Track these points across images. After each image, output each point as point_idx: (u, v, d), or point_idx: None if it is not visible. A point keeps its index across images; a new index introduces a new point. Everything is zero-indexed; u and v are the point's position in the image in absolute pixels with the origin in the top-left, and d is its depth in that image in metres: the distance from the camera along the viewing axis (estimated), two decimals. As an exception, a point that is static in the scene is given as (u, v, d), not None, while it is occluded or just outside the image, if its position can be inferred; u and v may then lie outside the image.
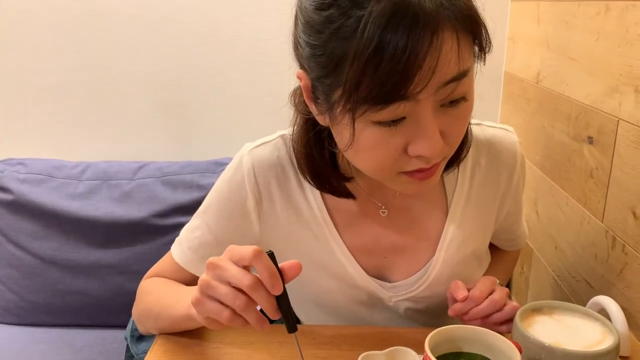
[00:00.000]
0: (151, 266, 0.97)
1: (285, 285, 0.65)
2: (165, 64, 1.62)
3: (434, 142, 0.64)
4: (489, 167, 0.88)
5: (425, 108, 0.62)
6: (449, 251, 0.87)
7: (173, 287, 0.90)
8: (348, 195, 0.84)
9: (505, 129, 0.90)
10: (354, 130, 0.64)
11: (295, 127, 0.81)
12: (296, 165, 0.85)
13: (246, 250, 0.63)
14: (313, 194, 0.86)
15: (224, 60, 1.61)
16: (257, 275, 0.63)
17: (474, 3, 0.65)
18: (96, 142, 1.70)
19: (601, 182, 0.99)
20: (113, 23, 1.59)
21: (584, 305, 0.80)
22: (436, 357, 0.58)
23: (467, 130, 0.78)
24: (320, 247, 0.87)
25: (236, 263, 0.64)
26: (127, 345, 1.20)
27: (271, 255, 0.64)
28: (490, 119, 0.91)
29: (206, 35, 1.59)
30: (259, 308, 0.65)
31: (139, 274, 0.96)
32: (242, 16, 1.56)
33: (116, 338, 1.46)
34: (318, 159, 0.80)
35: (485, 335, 0.64)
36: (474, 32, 0.64)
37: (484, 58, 0.67)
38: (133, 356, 1.17)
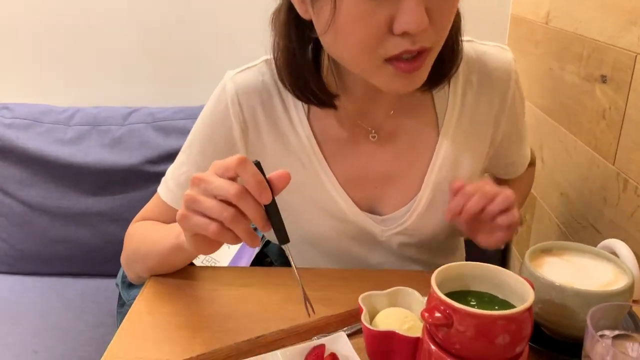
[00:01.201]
0: (144, 214, 0.93)
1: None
2: (150, 3, 1.55)
3: (419, 14, 0.62)
4: (481, 85, 0.84)
5: None
6: (441, 173, 0.84)
7: (159, 225, 0.87)
8: (331, 104, 0.79)
9: (499, 46, 0.86)
10: (334, 1, 0.63)
11: (277, 28, 0.77)
12: (281, 92, 0.81)
13: (231, 160, 0.60)
14: (301, 122, 0.83)
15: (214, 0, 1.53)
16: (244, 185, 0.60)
17: None
18: (84, 87, 1.64)
19: (614, 123, 0.94)
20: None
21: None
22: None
23: (458, 44, 0.77)
24: (310, 180, 0.84)
25: (221, 176, 0.61)
26: (119, 292, 1.18)
27: (257, 164, 0.60)
28: None
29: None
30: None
31: (131, 222, 0.93)
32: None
33: (108, 287, 1.43)
34: (300, 57, 0.76)
35: (495, 272, 0.60)
36: None
37: None
38: (125, 303, 1.15)
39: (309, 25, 0.72)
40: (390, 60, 0.66)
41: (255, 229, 0.87)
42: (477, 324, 0.52)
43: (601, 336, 0.58)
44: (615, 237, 0.90)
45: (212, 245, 0.65)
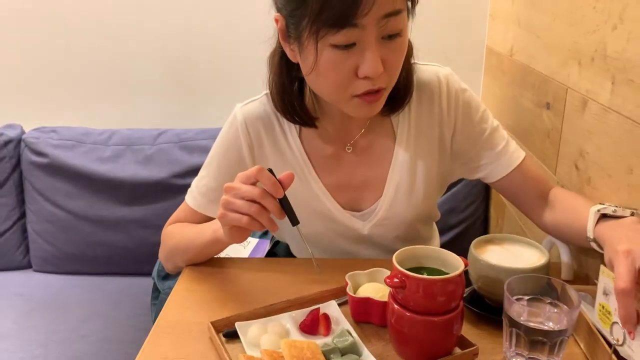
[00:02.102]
0: (171, 219, 1.16)
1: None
2: (176, 39, 1.79)
3: (376, 64, 0.84)
4: (419, 98, 1.03)
5: (370, 36, 0.82)
6: (400, 175, 1.04)
7: (192, 226, 1.09)
8: (312, 124, 1.02)
9: (434, 65, 1.06)
10: (317, 52, 0.84)
11: (272, 67, 0.99)
12: (279, 118, 1.04)
13: (251, 170, 0.84)
14: (294, 141, 1.05)
15: (232, 32, 1.78)
16: (263, 187, 0.84)
17: None
18: (117, 112, 1.89)
19: (555, 142, 1.17)
20: (128, 4, 1.77)
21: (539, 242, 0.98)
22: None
23: (409, 83, 0.99)
24: (303, 187, 1.06)
25: (245, 183, 0.84)
26: (154, 284, 1.39)
27: (270, 170, 0.84)
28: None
29: (215, 9, 1.76)
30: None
31: (160, 228, 1.15)
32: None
33: (142, 283, 1.65)
34: (288, 89, 0.99)
35: (441, 253, 0.82)
36: None
37: (413, 6, 0.88)
38: (160, 293, 1.37)
39: (296, 66, 0.94)
40: (356, 95, 0.90)
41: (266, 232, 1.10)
42: (423, 285, 0.74)
43: (518, 299, 0.80)
44: (556, 232, 1.12)
45: (243, 234, 0.90)
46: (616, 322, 0.70)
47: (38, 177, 1.71)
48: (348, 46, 0.83)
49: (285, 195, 0.85)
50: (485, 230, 1.72)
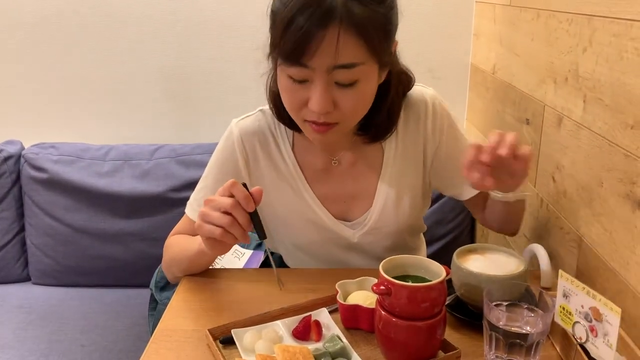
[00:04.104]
0: (168, 233, 1.20)
1: (274, 235, 0.88)
2: (170, 56, 1.85)
3: (321, 104, 0.89)
4: (406, 116, 1.09)
5: (320, 79, 0.88)
6: (389, 186, 1.10)
7: (188, 238, 1.13)
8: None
9: (420, 85, 1.11)
10: (276, 74, 0.93)
11: (270, 76, 1.05)
12: (274, 133, 1.10)
13: (226, 184, 0.88)
14: (288, 154, 1.11)
15: (224, 50, 1.84)
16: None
17: (391, 16, 0.91)
18: (115, 128, 1.94)
19: (534, 156, 1.23)
20: (124, 24, 1.82)
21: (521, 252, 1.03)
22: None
23: (396, 108, 1.04)
24: (297, 198, 1.11)
25: (222, 195, 0.89)
26: (152, 295, 1.43)
27: (244, 184, 0.89)
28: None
29: (207, 28, 1.82)
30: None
31: (157, 241, 1.19)
32: (241, 5, 1.79)
33: (139, 295, 1.69)
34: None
35: (424, 262, 0.87)
36: (364, 36, 0.87)
37: (379, 61, 0.92)
38: (157, 303, 1.41)
39: None
40: (307, 121, 0.95)
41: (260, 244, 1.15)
42: (407, 292, 0.79)
43: (497, 305, 0.85)
44: (537, 241, 1.19)
45: (222, 245, 0.94)
46: (577, 322, 0.76)
47: (37, 192, 1.75)
48: (302, 81, 0.90)
49: (255, 210, 0.89)
50: (472, 241, 1.78)
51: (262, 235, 0.91)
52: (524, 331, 0.80)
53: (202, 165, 1.16)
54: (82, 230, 1.75)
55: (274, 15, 0.90)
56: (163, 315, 0.99)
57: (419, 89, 1.11)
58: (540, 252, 1.10)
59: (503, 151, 0.84)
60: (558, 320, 0.80)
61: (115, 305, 1.68)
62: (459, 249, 0.99)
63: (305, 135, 1.02)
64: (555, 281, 1.09)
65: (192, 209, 1.16)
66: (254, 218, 0.90)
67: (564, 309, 0.79)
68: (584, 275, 0.99)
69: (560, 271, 0.79)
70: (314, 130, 0.96)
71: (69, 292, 1.75)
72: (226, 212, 0.88)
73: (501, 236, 1.48)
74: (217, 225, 0.89)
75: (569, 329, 0.78)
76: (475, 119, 1.74)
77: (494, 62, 1.54)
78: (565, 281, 0.78)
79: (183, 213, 1.19)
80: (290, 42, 0.85)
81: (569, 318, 0.78)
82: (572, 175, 1.04)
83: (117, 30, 1.83)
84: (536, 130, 1.22)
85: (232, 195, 0.89)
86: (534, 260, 1.09)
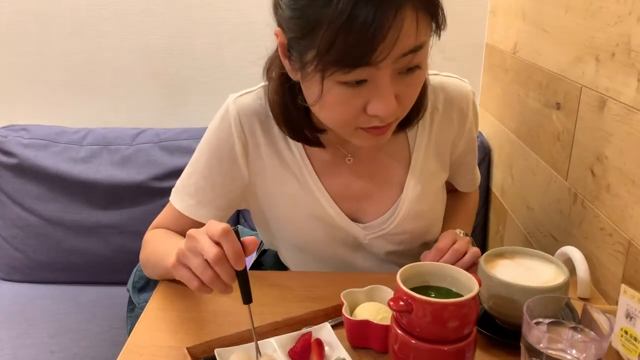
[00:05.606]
0: (149, 226, 1.04)
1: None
2: (156, 32, 1.69)
3: (388, 104, 0.74)
4: (445, 110, 0.98)
5: (384, 74, 0.72)
6: (416, 188, 0.97)
7: (168, 239, 0.97)
8: (319, 144, 0.93)
9: (459, 78, 1.00)
10: (322, 88, 0.74)
11: (271, 81, 0.89)
12: None
13: (217, 228, 0.70)
14: (295, 142, 0.95)
15: (214, 28, 1.67)
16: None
17: None
18: (93, 110, 1.78)
19: (566, 144, 1.08)
20: (110, -6, 1.66)
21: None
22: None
23: (424, 100, 0.91)
24: (303, 190, 0.96)
25: (210, 237, 0.70)
26: (130, 296, 1.29)
27: (236, 231, 0.71)
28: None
29: (196, 3, 1.65)
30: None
31: (138, 234, 1.04)
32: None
33: (118, 294, 1.54)
34: (292, 109, 0.88)
35: (450, 271, 0.73)
36: (432, 13, 0.73)
37: (440, 34, 0.76)
38: (135, 306, 1.27)
39: (298, 84, 0.83)
40: (362, 128, 0.80)
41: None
42: (432, 310, 0.65)
43: (537, 323, 0.71)
44: (568, 243, 1.04)
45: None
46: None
47: (6, 179, 1.60)
48: (359, 82, 0.73)
49: (245, 268, 0.72)
50: (485, 239, 1.63)
51: (246, 299, 0.74)
52: (570, 357, 0.66)
53: (189, 151, 1.01)
54: (56, 221, 1.60)
55: (306, 15, 0.70)
56: (134, 329, 0.84)
57: (459, 83, 0.99)
58: (577, 256, 0.96)
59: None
60: (617, 346, 0.66)
61: (91, 306, 1.54)
62: (485, 254, 0.85)
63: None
64: (591, 292, 0.95)
65: (179, 197, 0.99)
66: (241, 277, 0.72)
67: (626, 332, 0.64)
68: (633, 287, 0.84)
69: (623, 286, 0.64)
70: (371, 135, 0.81)
71: (39, 289, 1.61)
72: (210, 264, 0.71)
73: (522, 234, 1.33)
74: (196, 275, 0.72)
75: (634, 358, 0.63)
76: (491, 106, 1.58)
77: (515, 41, 1.38)
78: (630, 299, 0.63)
79: (167, 203, 1.02)
80: (356, 43, 0.67)
81: (634, 345, 0.63)
82: (619, 168, 0.89)
83: (96, 4, 1.66)
84: (569, 115, 1.06)
85: (220, 244, 0.71)
86: (566, 265, 0.94)
